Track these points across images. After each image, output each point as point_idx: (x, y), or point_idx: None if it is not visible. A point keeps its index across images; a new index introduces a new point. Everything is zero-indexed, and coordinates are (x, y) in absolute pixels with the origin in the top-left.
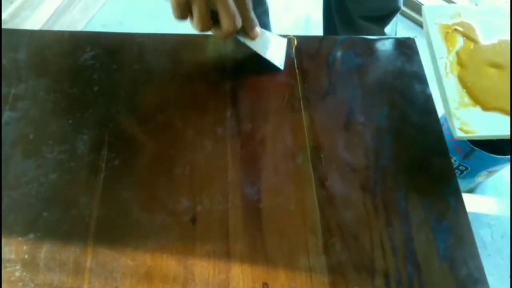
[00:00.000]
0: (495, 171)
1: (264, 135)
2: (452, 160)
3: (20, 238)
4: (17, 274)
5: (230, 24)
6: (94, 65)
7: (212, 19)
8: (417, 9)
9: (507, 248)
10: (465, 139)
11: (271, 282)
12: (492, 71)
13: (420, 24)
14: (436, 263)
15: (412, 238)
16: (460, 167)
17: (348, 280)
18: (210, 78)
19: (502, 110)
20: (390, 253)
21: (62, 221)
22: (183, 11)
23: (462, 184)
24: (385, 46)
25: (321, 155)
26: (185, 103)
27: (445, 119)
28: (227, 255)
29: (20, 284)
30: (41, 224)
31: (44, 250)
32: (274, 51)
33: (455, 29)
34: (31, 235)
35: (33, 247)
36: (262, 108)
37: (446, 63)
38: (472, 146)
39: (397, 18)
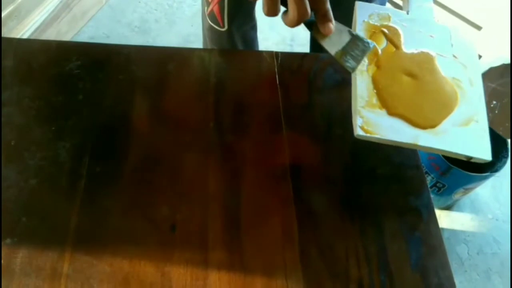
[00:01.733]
0: (471, 189)
1: (245, 147)
2: (430, 177)
3: None
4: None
5: (296, 12)
6: (80, 75)
7: (283, 4)
8: None
9: (483, 264)
10: (364, 138)
11: None
12: (405, 79)
13: None
14: (408, 272)
15: (385, 248)
16: (438, 184)
17: None
18: (194, 90)
19: (405, 118)
20: (364, 263)
21: (41, 227)
22: None
23: (440, 201)
24: None
25: (300, 168)
26: (168, 113)
27: None
28: (205, 263)
29: None
30: (19, 229)
31: (21, 256)
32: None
33: (381, 31)
34: (8, 240)
35: (10, 252)
36: (243, 121)
37: (363, 62)
38: (449, 164)
39: None
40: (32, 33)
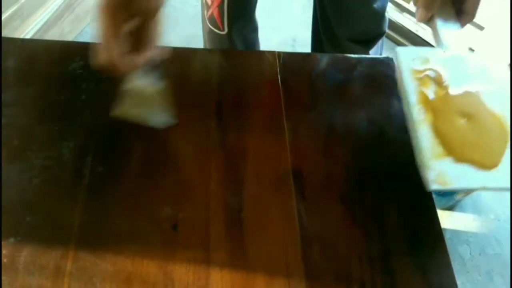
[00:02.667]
0: (473, 189)
1: (247, 146)
2: None
3: None
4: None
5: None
6: (83, 75)
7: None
8: (400, 31)
9: (485, 265)
10: (441, 190)
11: None
12: (462, 121)
13: (401, 45)
14: (410, 272)
15: (387, 248)
16: None
17: None
18: (196, 90)
19: (474, 162)
20: (366, 262)
21: (44, 226)
22: None
23: (442, 202)
24: (365, 64)
25: (302, 167)
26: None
27: None
28: (207, 262)
29: None
30: (23, 228)
31: (24, 254)
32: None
33: (427, 75)
34: (11, 239)
35: (13, 251)
36: (246, 120)
37: (419, 109)
38: None
39: (383, 41)
40: (35, 33)
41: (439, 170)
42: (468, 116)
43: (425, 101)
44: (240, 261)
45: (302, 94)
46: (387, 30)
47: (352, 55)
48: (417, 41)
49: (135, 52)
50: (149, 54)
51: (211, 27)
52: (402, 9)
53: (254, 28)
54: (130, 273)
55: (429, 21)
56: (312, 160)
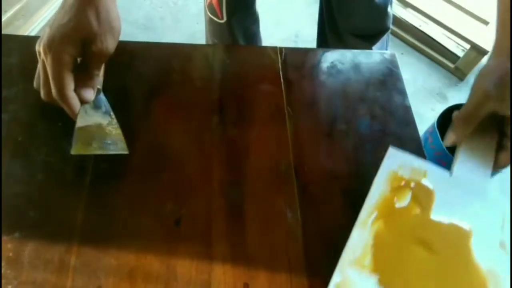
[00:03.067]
0: None
1: (249, 141)
2: None
3: (5, 237)
4: (1, 271)
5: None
6: None
7: None
8: (406, 28)
9: None
10: None
11: (252, 283)
12: (418, 251)
13: (407, 43)
14: None
15: None
16: None
17: (327, 282)
18: (198, 85)
19: None
20: None
21: (48, 221)
22: None
23: None
24: (368, 59)
25: (304, 162)
26: (172, 109)
27: (430, 134)
28: (209, 256)
29: (4, 281)
30: (27, 223)
31: (29, 249)
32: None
33: (410, 187)
34: (16, 234)
35: (18, 246)
36: (248, 115)
37: (372, 213)
38: None
39: (389, 37)
40: (39, 32)
41: (349, 279)
42: (431, 249)
43: (384, 209)
44: (242, 256)
45: (304, 90)
46: (391, 27)
47: (355, 50)
48: (420, 36)
49: (81, 86)
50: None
51: (210, 15)
52: (405, 4)
53: (254, 20)
54: (133, 267)
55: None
56: (314, 155)
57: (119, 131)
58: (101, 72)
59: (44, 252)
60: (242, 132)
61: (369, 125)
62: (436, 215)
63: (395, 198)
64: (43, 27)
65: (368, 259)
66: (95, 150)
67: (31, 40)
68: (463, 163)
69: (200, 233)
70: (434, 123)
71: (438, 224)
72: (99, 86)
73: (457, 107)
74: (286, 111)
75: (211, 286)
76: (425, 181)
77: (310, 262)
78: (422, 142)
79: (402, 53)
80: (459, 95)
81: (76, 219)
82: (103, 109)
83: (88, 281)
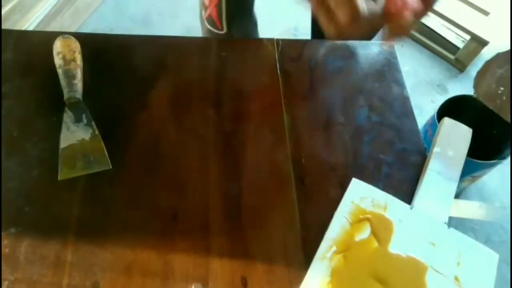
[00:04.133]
0: (479, 176)
1: (246, 134)
2: None
3: (1, 233)
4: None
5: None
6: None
7: None
8: None
9: None
10: None
11: (249, 276)
12: (374, 285)
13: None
14: None
15: None
16: None
17: None
18: (194, 78)
19: None
20: None
21: (44, 217)
22: None
23: None
24: (366, 50)
25: (301, 154)
26: (168, 102)
27: (430, 126)
28: (206, 250)
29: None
30: (23, 219)
31: (25, 245)
32: None
33: (369, 219)
34: (12, 230)
35: (14, 242)
36: (244, 108)
37: (331, 247)
38: None
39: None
40: (36, 27)
41: None
42: (386, 284)
43: (344, 243)
44: (239, 249)
45: (301, 81)
46: None
47: (353, 41)
48: (420, 27)
49: None
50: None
51: (209, 27)
52: None
53: (254, 24)
54: (130, 262)
55: None
56: (311, 147)
57: (101, 144)
58: (80, 82)
59: (40, 248)
60: (239, 125)
61: (367, 117)
62: (395, 248)
63: (356, 231)
64: (40, 22)
65: None
66: (80, 171)
67: (25, 35)
68: (423, 196)
69: (197, 227)
70: (434, 115)
71: (396, 258)
72: (79, 96)
73: (457, 99)
74: (283, 103)
75: (209, 281)
76: (385, 214)
77: (308, 255)
78: (422, 134)
79: (402, 45)
80: (460, 87)
81: (72, 214)
82: (84, 121)
83: (85, 276)
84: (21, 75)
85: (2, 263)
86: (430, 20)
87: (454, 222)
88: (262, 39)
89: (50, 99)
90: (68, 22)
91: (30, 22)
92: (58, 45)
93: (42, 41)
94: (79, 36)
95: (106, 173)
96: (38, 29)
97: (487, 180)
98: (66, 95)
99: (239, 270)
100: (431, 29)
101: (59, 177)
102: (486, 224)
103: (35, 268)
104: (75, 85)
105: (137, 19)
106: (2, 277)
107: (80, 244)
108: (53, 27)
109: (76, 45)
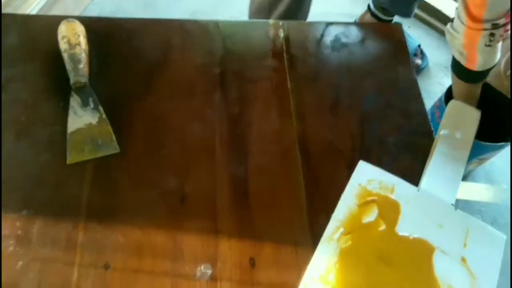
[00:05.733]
0: (486, 159)
1: (252, 118)
2: None
3: (13, 215)
4: (11, 248)
5: None
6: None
7: None
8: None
9: None
10: None
11: (257, 257)
12: (381, 266)
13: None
14: None
15: None
16: None
17: None
18: (199, 62)
19: None
20: None
21: (54, 199)
22: None
23: None
24: (373, 31)
25: (308, 138)
26: (174, 86)
27: (437, 108)
28: (215, 232)
29: (14, 258)
30: (34, 201)
31: (37, 226)
32: None
33: (376, 201)
34: (24, 212)
35: (26, 223)
36: (250, 91)
37: (338, 228)
38: None
39: None
40: (38, 12)
41: None
42: (391, 263)
43: (351, 225)
44: (247, 230)
45: (307, 64)
46: None
47: (360, 23)
48: (427, 8)
49: None
50: None
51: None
52: None
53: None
54: (140, 243)
55: None
56: (318, 130)
57: (109, 128)
58: (86, 67)
59: (52, 229)
60: (245, 109)
61: (374, 99)
62: (402, 229)
63: (363, 213)
64: (42, 7)
65: (331, 276)
66: (88, 155)
67: (28, 19)
68: (431, 178)
69: (205, 209)
70: (441, 97)
71: (403, 239)
72: (85, 80)
73: None
74: (289, 87)
75: (218, 261)
76: (392, 196)
77: (315, 236)
78: (429, 117)
79: (409, 27)
80: None
81: (82, 197)
82: (91, 105)
83: (96, 257)
84: (26, 59)
85: (16, 245)
86: (437, 1)
87: (461, 204)
88: (267, 21)
89: (56, 84)
90: (71, 7)
91: (32, 7)
92: (62, 29)
93: (46, 25)
94: (83, 20)
95: (114, 156)
96: (41, 13)
97: (494, 162)
98: (72, 80)
99: (247, 251)
100: (438, 10)
101: (68, 161)
102: (493, 206)
103: (48, 249)
104: (81, 69)
105: (140, 3)
106: (17, 258)
107: (91, 226)
108: (55, 11)
109: (81, 29)
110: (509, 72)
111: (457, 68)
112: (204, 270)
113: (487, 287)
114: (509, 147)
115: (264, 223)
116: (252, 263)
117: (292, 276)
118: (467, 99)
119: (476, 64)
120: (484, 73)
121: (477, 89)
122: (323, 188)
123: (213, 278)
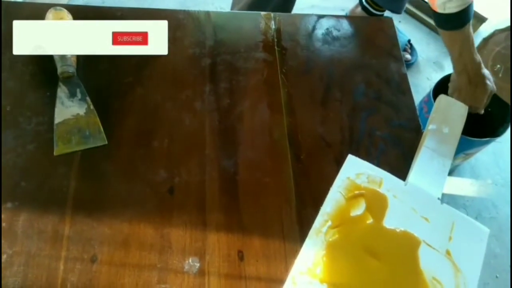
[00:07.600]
0: (472, 154)
1: (242, 110)
2: None
3: None
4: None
5: None
6: None
7: None
8: None
9: None
10: None
11: (246, 250)
12: (368, 259)
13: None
14: None
15: None
16: None
17: None
18: (189, 53)
19: None
20: None
21: (40, 191)
22: None
23: None
24: (364, 25)
25: (298, 130)
26: (164, 77)
27: (425, 103)
28: (203, 224)
29: None
30: (19, 193)
31: (22, 219)
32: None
33: (364, 195)
34: (9, 204)
35: (11, 216)
36: (240, 84)
37: (326, 222)
38: None
39: None
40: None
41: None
42: (378, 257)
43: (339, 218)
44: (236, 223)
45: (298, 57)
46: None
47: (351, 16)
48: (418, 3)
49: None
50: None
51: None
52: None
53: None
54: (127, 235)
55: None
56: (308, 123)
57: (96, 119)
58: (74, 57)
59: (38, 222)
60: (235, 100)
61: (364, 93)
62: (389, 223)
63: (351, 206)
64: None
65: (319, 269)
66: (76, 146)
67: (15, 7)
68: (418, 173)
69: (194, 201)
70: (429, 92)
71: (390, 232)
72: (72, 71)
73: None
74: (280, 79)
75: (205, 254)
76: (380, 189)
77: (303, 229)
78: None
79: (399, 21)
80: None
81: (69, 188)
82: (79, 96)
83: (83, 249)
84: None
85: (1, 237)
86: None
87: (446, 198)
88: (259, 13)
89: (43, 74)
90: None
91: None
92: (50, 18)
93: (33, 13)
94: (71, 8)
95: (102, 148)
96: (28, 1)
97: (479, 157)
98: (59, 70)
99: (236, 243)
100: (429, 5)
101: (55, 153)
102: (477, 200)
103: (33, 242)
104: (68, 59)
105: None
106: (2, 250)
107: (78, 218)
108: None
109: (69, 18)
110: (498, 66)
111: (434, 18)
112: (192, 263)
113: (471, 280)
114: (493, 143)
115: (252, 216)
116: (241, 256)
117: (280, 269)
118: (461, 52)
119: (435, 2)
120: (457, 16)
121: (464, 36)
122: (312, 181)
123: (201, 271)
